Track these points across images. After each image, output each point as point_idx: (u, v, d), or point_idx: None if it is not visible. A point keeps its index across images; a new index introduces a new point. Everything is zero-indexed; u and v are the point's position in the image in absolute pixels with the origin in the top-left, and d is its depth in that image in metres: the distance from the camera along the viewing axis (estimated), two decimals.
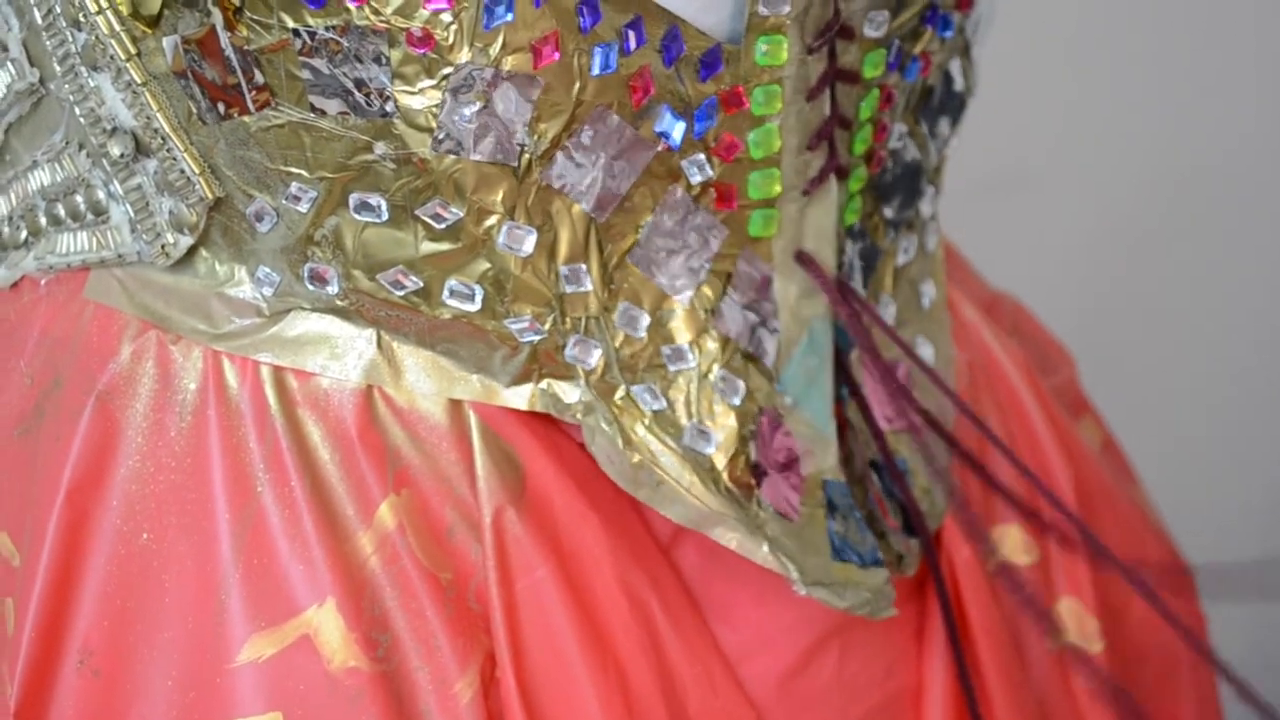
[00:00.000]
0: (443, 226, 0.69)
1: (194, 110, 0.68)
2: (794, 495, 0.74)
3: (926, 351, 0.80)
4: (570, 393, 0.72)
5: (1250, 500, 1.65)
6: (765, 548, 0.72)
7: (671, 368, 0.73)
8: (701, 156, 0.70)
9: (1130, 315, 1.70)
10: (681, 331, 0.73)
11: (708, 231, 0.72)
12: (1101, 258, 1.70)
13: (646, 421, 0.72)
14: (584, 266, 0.71)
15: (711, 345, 0.73)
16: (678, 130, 0.69)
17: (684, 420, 0.73)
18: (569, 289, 0.71)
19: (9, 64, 0.73)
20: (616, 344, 0.72)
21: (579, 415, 0.71)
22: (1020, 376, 0.87)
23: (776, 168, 0.71)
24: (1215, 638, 0.94)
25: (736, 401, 0.73)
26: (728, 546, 0.72)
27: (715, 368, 0.73)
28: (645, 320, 0.72)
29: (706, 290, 0.73)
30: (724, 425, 0.73)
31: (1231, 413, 1.67)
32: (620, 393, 0.72)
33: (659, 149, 0.69)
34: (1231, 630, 0.98)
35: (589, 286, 0.71)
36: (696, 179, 0.71)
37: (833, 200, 0.74)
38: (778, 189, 0.72)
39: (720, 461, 0.73)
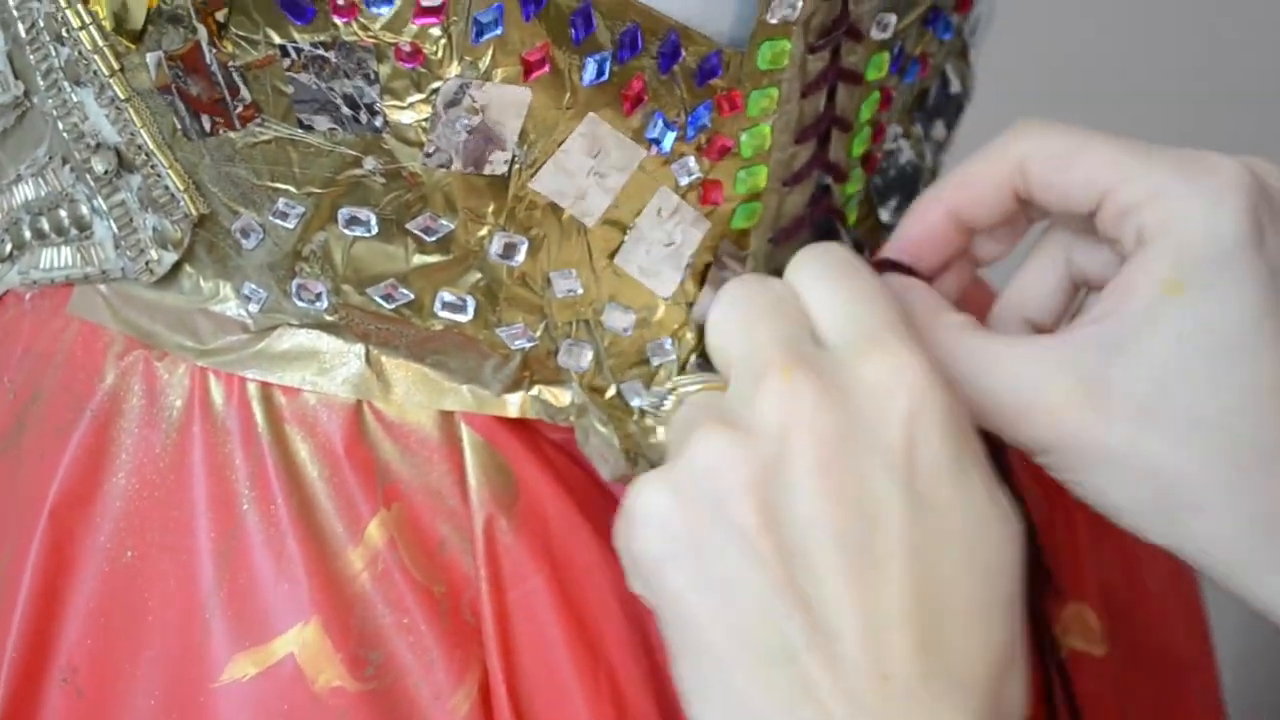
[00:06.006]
0: (433, 239, 0.68)
1: (178, 126, 0.67)
2: None
3: None
4: (563, 396, 0.71)
5: None
6: None
7: (654, 361, 0.72)
8: (691, 160, 0.69)
9: None
10: (665, 326, 0.72)
11: (691, 228, 0.71)
12: None
13: (635, 416, 0.72)
14: (574, 271, 0.70)
15: (690, 336, 0.73)
16: (669, 139, 0.68)
17: (665, 410, 0.72)
18: (560, 294, 0.70)
19: None
20: (605, 344, 0.71)
21: (572, 417, 0.71)
22: None
23: (765, 164, 0.71)
24: (1215, 630, 0.93)
25: None
26: None
27: (692, 357, 0.73)
28: (632, 318, 0.72)
29: (689, 285, 0.72)
30: None
31: None
32: (610, 392, 0.72)
33: (649, 154, 0.68)
34: (1230, 622, 0.97)
35: (579, 291, 0.70)
36: (685, 180, 0.70)
37: (809, 190, 0.73)
38: (764, 184, 0.71)
39: None
